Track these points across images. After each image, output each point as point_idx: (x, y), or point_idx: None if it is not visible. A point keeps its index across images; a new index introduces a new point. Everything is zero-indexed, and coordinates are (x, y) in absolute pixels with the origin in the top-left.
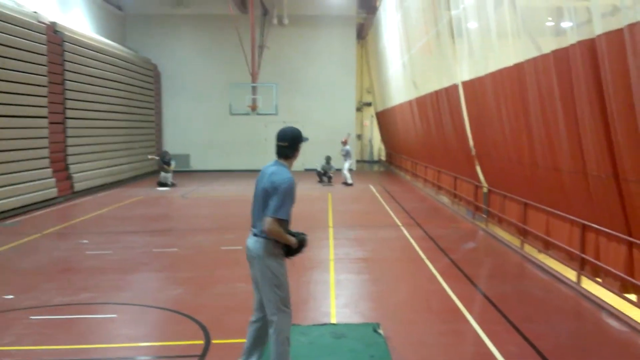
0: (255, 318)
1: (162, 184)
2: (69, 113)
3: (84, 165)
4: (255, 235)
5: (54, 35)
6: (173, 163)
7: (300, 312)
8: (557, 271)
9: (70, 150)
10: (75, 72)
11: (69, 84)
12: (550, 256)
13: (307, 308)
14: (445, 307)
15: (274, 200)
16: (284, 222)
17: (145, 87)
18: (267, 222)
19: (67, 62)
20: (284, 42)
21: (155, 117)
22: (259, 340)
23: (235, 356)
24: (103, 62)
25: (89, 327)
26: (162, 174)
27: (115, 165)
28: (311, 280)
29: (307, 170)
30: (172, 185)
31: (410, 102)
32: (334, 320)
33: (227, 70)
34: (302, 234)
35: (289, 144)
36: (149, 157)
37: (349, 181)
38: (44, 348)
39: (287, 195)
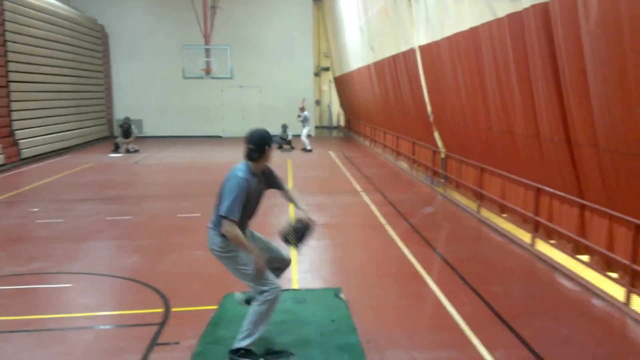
0: None
1: (117, 148)
2: (12, 76)
3: (31, 131)
4: (209, 227)
5: None
6: (135, 131)
7: None
8: (512, 234)
9: (15, 115)
10: (17, 33)
11: (10, 46)
12: (506, 219)
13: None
14: (404, 271)
15: (224, 196)
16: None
17: (92, 49)
18: (223, 224)
19: (7, 22)
20: (237, 3)
21: (105, 80)
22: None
23: (195, 323)
24: (47, 23)
25: (44, 297)
26: (120, 139)
27: (64, 131)
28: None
29: None
30: (135, 151)
31: (368, 67)
32: (295, 286)
33: (179, 32)
34: (299, 224)
35: (255, 146)
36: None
37: (308, 147)
38: None
39: (233, 192)
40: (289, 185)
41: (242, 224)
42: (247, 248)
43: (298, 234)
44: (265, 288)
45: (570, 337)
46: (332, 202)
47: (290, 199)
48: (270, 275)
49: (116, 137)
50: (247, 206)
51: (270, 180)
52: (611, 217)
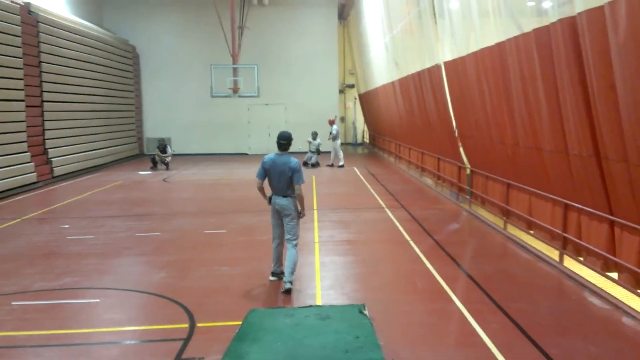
0: (278, 242)
1: (155, 163)
2: (47, 96)
3: (63, 149)
4: (284, 196)
5: (29, 16)
6: (169, 150)
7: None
8: (539, 250)
9: (48, 134)
10: (51, 54)
11: (45, 66)
12: (533, 236)
13: (292, 290)
14: (429, 288)
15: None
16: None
17: (124, 69)
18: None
19: (42, 44)
20: (264, 23)
21: (135, 99)
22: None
23: (220, 339)
24: (80, 44)
25: (72, 312)
26: (158, 155)
27: (95, 149)
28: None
29: (291, 153)
30: (166, 166)
31: (392, 84)
32: (319, 302)
33: (207, 52)
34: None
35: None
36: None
37: (342, 162)
38: (27, 334)
39: (300, 170)
40: (314, 203)
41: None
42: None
43: None
44: (298, 240)
45: (600, 356)
46: (357, 219)
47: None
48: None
49: (152, 154)
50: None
51: None
52: None
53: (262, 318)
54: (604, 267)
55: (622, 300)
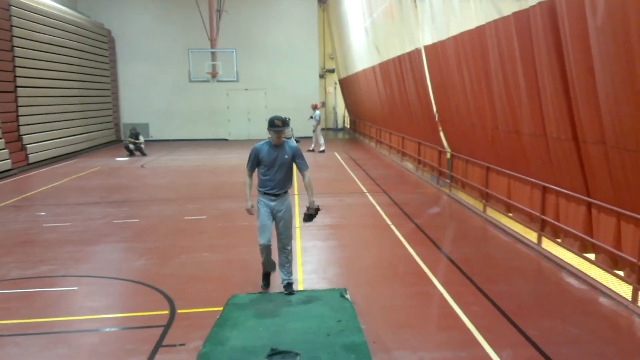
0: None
1: (130, 151)
2: (20, 81)
3: (38, 136)
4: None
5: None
6: (141, 138)
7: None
8: (518, 233)
9: (22, 120)
10: (24, 39)
11: (18, 51)
12: (512, 218)
13: (274, 275)
14: (410, 271)
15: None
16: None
17: (99, 53)
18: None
19: (15, 28)
20: (242, 6)
21: (111, 84)
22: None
23: (201, 325)
24: (54, 28)
25: (50, 300)
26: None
27: (71, 136)
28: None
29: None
30: (140, 151)
31: (373, 68)
32: (301, 287)
33: (184, 36)
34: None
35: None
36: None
37: (322, 148)
38: (4, 322)
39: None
40: (295, 188)
41: (264, 179)
42: (245, 192)
43: (305, 215)
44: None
45: (578, 336)
46: (338, 203)
47: (305, 187)
48: (262, 235)
49: (124, 140)
50: (260, 165)
51: (294, 157)
52: (619, 214)
53: (243, 303)
54: (582, 249)
55: (599, 281)
